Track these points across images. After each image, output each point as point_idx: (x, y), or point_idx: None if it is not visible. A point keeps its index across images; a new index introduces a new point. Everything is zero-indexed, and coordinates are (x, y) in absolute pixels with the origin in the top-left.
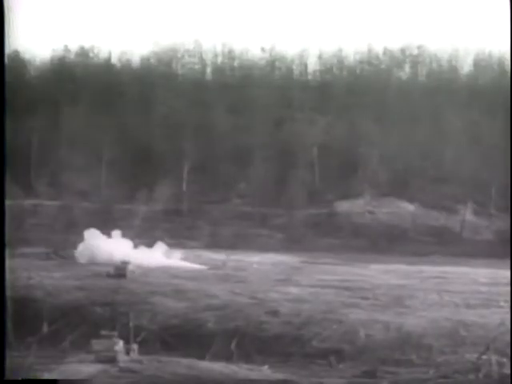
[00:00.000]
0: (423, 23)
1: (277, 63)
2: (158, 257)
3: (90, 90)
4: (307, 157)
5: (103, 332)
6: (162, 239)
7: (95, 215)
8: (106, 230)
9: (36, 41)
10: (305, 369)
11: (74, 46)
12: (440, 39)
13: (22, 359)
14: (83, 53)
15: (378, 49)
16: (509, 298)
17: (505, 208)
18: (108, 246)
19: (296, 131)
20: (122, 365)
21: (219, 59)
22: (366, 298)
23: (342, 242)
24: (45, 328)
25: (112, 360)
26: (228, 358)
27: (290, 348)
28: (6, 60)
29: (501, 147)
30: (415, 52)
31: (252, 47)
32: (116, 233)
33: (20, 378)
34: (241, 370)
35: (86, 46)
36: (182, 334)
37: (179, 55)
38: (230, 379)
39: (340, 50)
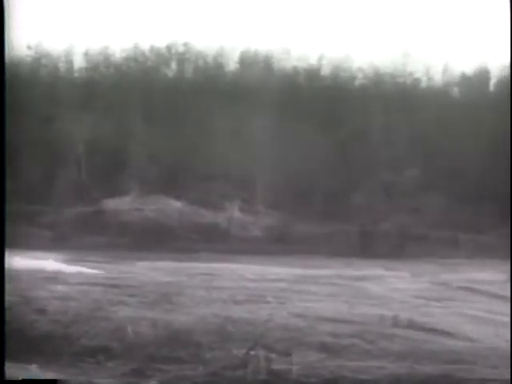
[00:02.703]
0: (188, 21)
1: (43, 60)
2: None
3: None
4: (74, 155)
5: None
6: None
7: None
8: None
9: None
10: (74, 367)
11: None
12: (206, 36)
13: None
14: None
15: (145, 46)
16: (277, 294)
17: (271, 204)
18: None
19: (63, 129)
20: None
21: None
22: (134, 296)
23: (109, 239)
24: None
25: None
26: None
27: (58, 346)
28: None
29: (267, 143)
30: (181, 49)
31: (18, 44)
32: None
33: (20, 378)
34: (8, 369)
35: None
36: None
37: None
38: None
39: (106, 48)
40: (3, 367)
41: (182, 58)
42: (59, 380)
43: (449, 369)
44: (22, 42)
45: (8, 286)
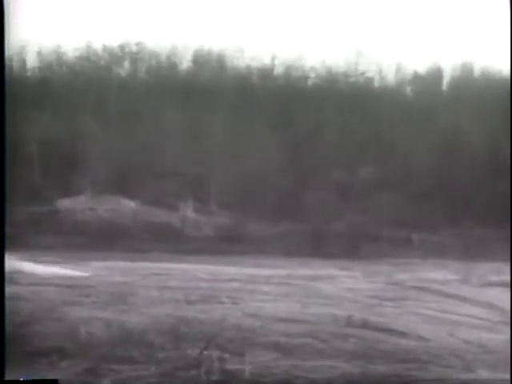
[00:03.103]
0: (141, 19)
1: None
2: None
3: None
4: (28, 154)
5: None
6: None
7: None
8: None
9: None
10: (28, 368)
11: None
12: (159, 35)
13: None
14: None
15: (97, 45)
16: (231, 294)
17: (224, 204)
18: None
19: (16, 128)
20: None
21: None
22: (88, 296)
23: (63, 239)
24: None
25: None
26: None
27: (11, 347)
28: None
29: (220, 143)
30: (134, 49)
31: None
32: None
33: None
34: None
35: None
36: None
37: None
38: None
39: (59, 47)
40: (3, 367)
41: (134, 58)
42: (60, 380)
43: (402, 368)
44: None
45: None
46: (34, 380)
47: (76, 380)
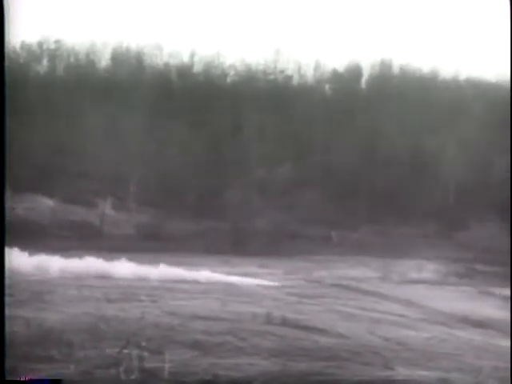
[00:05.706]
0: (59, 16)
1: None
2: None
3: None
4: None
5: None
6: None
7: None
8: None
9: None
10: None
11: None
12: (77, 33)
13: None
14: None
15: (16, 43)
16: (149, 292)
17: (144, 202)
18: None
19: None
20: None
21: None
22: (8, 295)
23: None
24: None
25: None
26: None
27: None
28: None
29: (139, 141)
30: (53, 46)
31: None
32: None
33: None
34: None
35: None
36: None
37: None
38: None
39: None
40: (3, 367)
41: (53, 55)
42: (63, 380)
43: (322, 366)
44: None
45: None
46: (35, 380)
47: (79, 380)
